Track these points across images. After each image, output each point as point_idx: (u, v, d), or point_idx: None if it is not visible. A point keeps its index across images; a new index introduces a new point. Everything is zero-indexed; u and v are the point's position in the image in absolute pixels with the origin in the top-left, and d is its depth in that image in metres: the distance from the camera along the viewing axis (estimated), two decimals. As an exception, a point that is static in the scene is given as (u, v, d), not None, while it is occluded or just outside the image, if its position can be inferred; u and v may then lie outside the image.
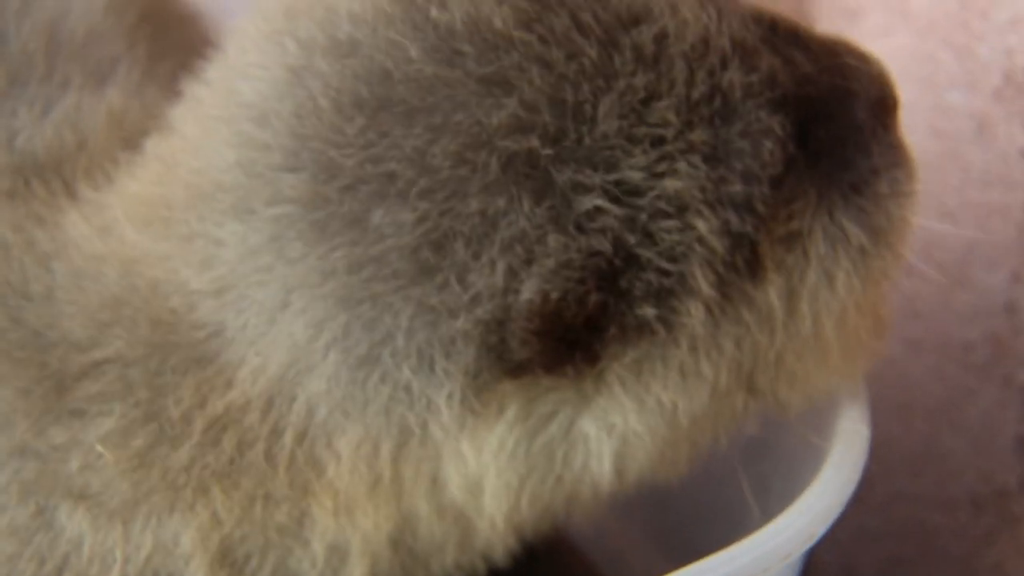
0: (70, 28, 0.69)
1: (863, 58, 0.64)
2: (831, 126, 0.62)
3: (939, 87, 0.79)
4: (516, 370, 0.56)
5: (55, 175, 0.63)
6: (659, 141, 0.57)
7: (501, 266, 0.55)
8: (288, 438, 0.58)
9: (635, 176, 0.56)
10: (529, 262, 0.55)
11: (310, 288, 0.56)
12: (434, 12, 0.57)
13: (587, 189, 0.56)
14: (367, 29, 0.57)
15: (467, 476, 0.58)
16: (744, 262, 0.59)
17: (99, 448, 0.58)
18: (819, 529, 0.61)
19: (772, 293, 0.59)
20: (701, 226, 0.57)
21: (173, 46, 0.72)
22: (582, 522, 0.65)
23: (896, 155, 0.63)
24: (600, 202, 0.56)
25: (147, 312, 0.59)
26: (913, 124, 0.77)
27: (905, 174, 0.63)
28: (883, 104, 0.63)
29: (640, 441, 0.59)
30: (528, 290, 0.55)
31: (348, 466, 0.58)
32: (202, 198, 0.58)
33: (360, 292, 0.56)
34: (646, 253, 0.57)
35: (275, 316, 0.57)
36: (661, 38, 0.58)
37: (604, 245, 0.56)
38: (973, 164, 0.78)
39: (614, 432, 0.58)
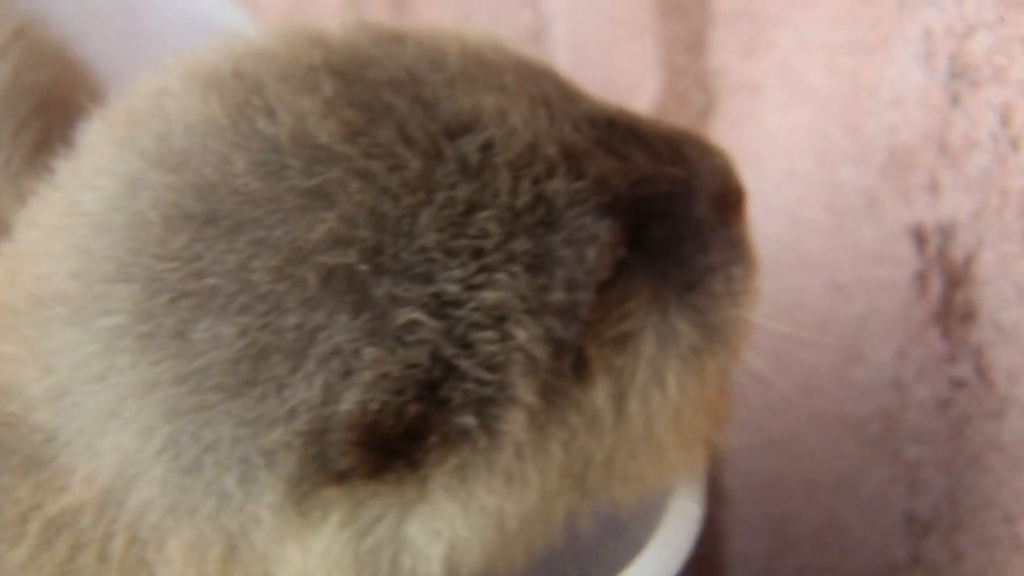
0: None
1: (706, 151, 0.64)
2: (668, 224, 0.62)
3: (833, 163, 0.79)
4: (338, 478, 0.57)
5: None
6: (479, 252, 0.57)
7: (319, 379, 0.55)
8: (119, 541, 0.58)
9: (452, 289, 0.57)
10: (347, 375, 0.56)
11: (138, 398, 0.57)
12: (262, 125, 0.58)
13: (404, 302, 0.56)
14: (198, 141, 0.58)
15: None
16: (569, 367, 0.59)
17: None
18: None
19: (599, 396, 0.60)
20: (521, 335, 0.58)
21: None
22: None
23: (734, 252, 0.63)
24: (417, 315, 0.56)
25: None
26: (810, 200, 0.79)
27: (743, 271, 0.63)
28: (724, 199, 0.63)
29: (468, 545, 0.59)
30: (346, 402, 0.56)
31: (177, 570, 0.58)
32: (42, 305, 0.59)
33: (184, 404, 0.56)
34: (464, 363, 0.57)
35: (106, 424, 0.58)
36: (487, 147, 0.58)
37: (422, 357, 0.56)
38: (864, 240, 0.79)
39: (441, 536, 0.59)
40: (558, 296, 0.58)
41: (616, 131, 0.62)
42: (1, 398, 0.59)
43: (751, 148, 0.82)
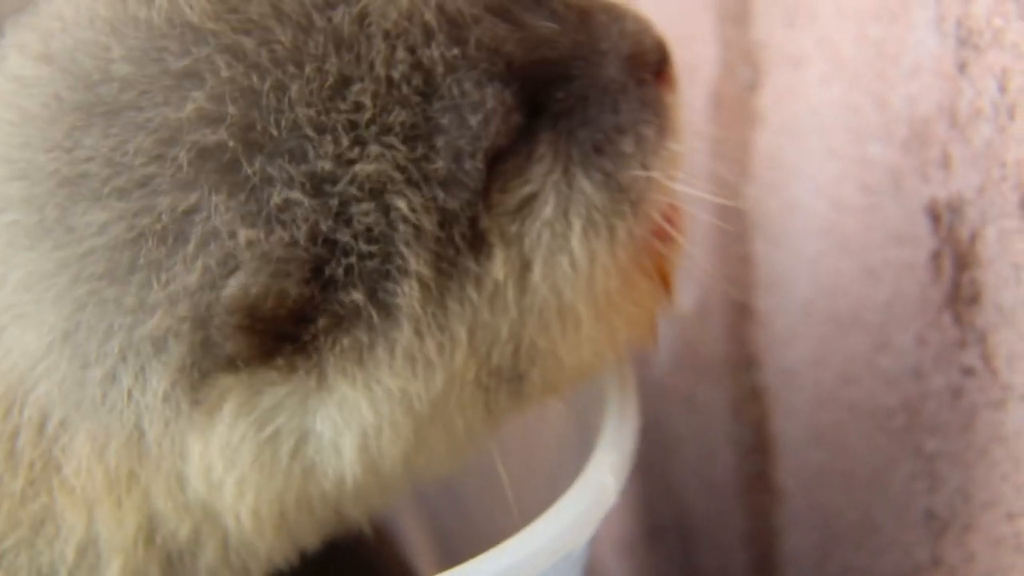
0: None
1: (617, 14, 0.62)
2: (572, 86, 0.60)
3: (864, 139, 0.75)
4: (229, 365, 0.57)
5: None
6: (352, 126, 0.57)
7: (198, 263, 0.56)
8: (24, 439, 0.60)
9: (326, 165, 0.56)
10: (226, 258, 0.56)
11: (31, 292, 0.58)
12: (139, 10, 0.58)
13: (278, 181, 0.56)
14: (80, 34, 0.59)
15: (202, 471, 0.59)
16: (462, 238, 0.58)
17: None
18: (580, 535, 0.61)
19: (498, 267, 0.58)
20: (401, 205, 0.57)
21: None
22: (363, 523, 0.65)
23: (647, 111, 0.61)
24: (291, 193, 0.56)
25: None
26: (845, 179, 0.76)
27: (655, 130, 0.61)
28: (638, 59, 0.61)
29: (379, 432, 0.58)
30: (228, 286, 0.56)
31: (84, 465, 0.59)
32: None
33: (72, 294, 0.57)
34: (345, 238, 0.56)
35: (6, 321, 0.59)
36: (361, 17, 0.57)
37: (300, 235, 0.56)
38: (890, 220, 0.75)
39: (349, 425, 0.58)
40: (440, 165, 0.57)
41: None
42: None
43: (796, 124, 0.80)
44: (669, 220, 0.62)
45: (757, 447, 0.87)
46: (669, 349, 0.92)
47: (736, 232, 0.84)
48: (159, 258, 0.56)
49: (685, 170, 0.62)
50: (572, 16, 0.60)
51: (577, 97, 0.60)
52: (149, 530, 0.61)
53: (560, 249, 0.59)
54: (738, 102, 0.82)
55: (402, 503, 0.87)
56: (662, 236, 0.62)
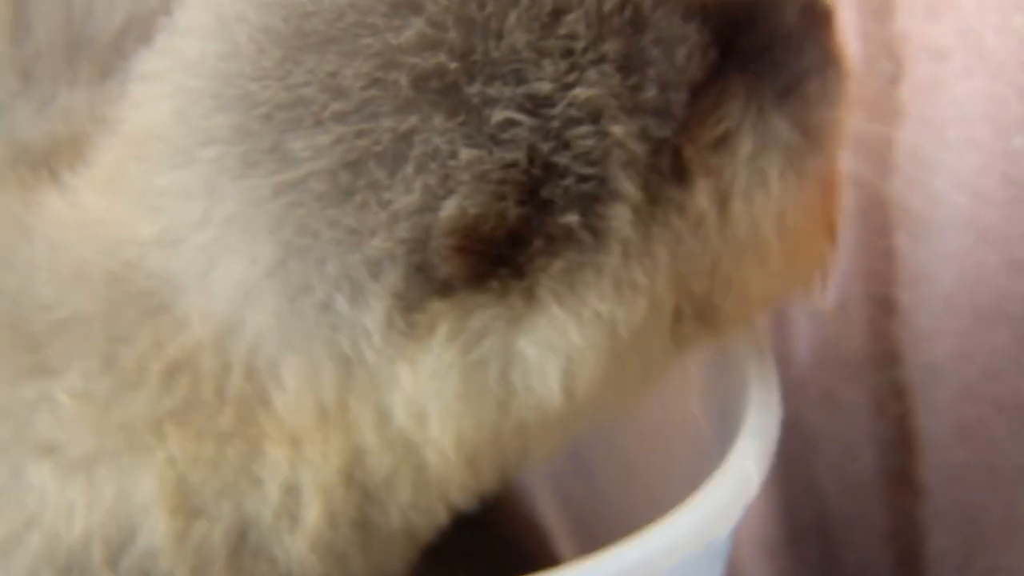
0: (93, 29, 0.73)
1: None
2: (757, 32, 0.62)
3: (1008, 131, 0.75)
4: (443, 289, 0.57)
5: (44, 165, 0.67)
6: (568, 52, 0.57)
7: (418, 184, 0.56)
8: (236, 373, 0.59)
9: (544, 87, 0.57)
10: (445, 178, 0.56)
11: (241, 222, 0.58)
12: None
13: (498, 101, 0.56)
14: None
15: (408, 402, 0.59)
16: (668, 167, 0.59)
17: (63, 399, 0.61)
18: (723, 524, 0.60)
19: (701, 197, 0.59)
20: (617, 131, 0.58)
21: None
22: (539, 464, 0.66)
23: (827, 58, 0.63)
24: (511, 114, 0.57)
25: (104, 269, 0.61)
26: (988, 171, 0.75)
27: (836, 75, 0.63)
28: (812, 9, 0.63)
29: (583, 356, 0.59)
30: (446, 206, 0.56)
31: (294, 397, 0.59)
32: (145, 151, 0.61)
33: (286, 220, 0.57)
34: (562, 160, 0.57)
35: (216, 256, 0.59)
36: None
37: (519, 155, 0.56)
38: (1036, 212, 0.74)
39: (554, 348, 0.58)
40: (651, 94, 0.58)
41: None
42: (115, 253, 0.61)
43: (938, 117, 0.79)
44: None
45: (900, 444, 0.86)
46: (808, 345, 0.91)
47: (878, 226, 0.84)
48: (379, 179, 0.57)
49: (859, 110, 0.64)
50: None
51: (763, 41, 0.62)
52: (351, 466, 0.61)
53: (758, 184, 0.60)
54: (880, 96, 0.82)
55: (539, 488, 0.88)
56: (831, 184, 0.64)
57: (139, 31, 0.73)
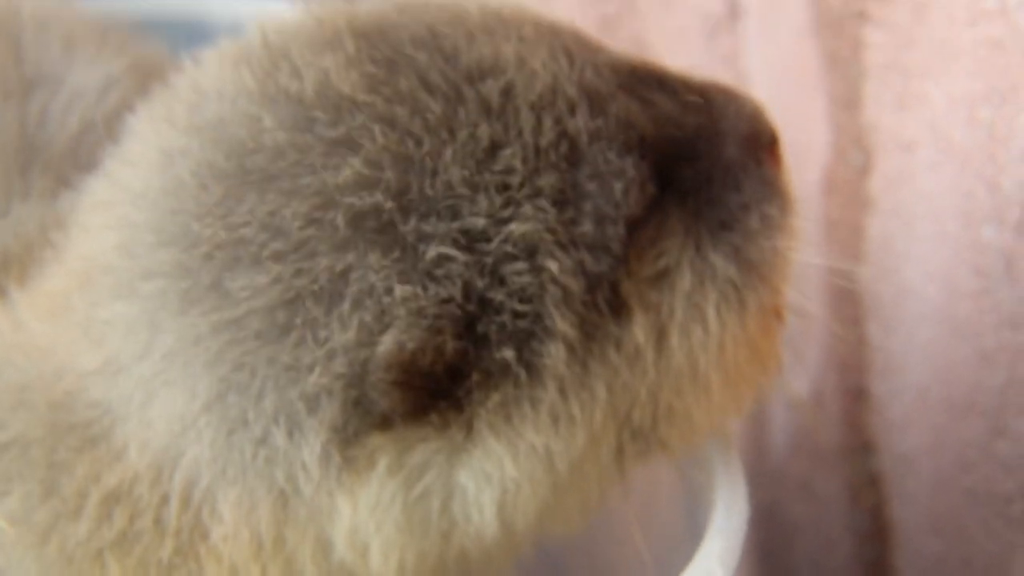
0: (49, 133, 0.74)
1: (733, 97, 0.64)
2: (698, 165, 0.62)
3: (976, 223, 0.75)
4: (382, 423, 0.58)
5: None
6: (504, 187, 0.58)
7: (354, 320, 0.57)
8: (174, 505, 0.60)
9: (479, 222, 0.58)
10: (382, 314, 0.57)
11: (181, 357, 0.59)
12: (289, 84, 0.60)
13: (433, 238, 0.57)
14: (228, 105, 0.60)
15: (349, 534, 0.59)
16: (605, 302, 0.59)
17: (3, 525, 0.61)
18: None
19: (639, 331, 0.60)
20: (552, 266, 0.58)
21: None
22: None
23: (768, 189, 0.63)
24: (446, 250, 0.57)
25: (47, 395, 0.62)
26: (958, 263, 0.75)
27: (778, 208, 0.63)
28: (754, 140, 0.63)
29: (520, 489, 0.59)
30: (384, 342, 0.57)
31: (231, 530, 0.60)
32: (90, 282, 0.62)
33: (224, 357, 0.58)
34: (498, 296, 0.58)
35: (155, 389, 0.59)
36: (507, 90, 0.60)
37: (454, 291, 0.57)
38: (1004, 303, 0.74)
39: (491, 480, 0.59)
40: (587, 229, 0.59)
41: (639, 78, 0.63)
42: (54, 385, 0.62)
43: (907, 208, 0.79)
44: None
45: (875, 534, 0.86)
46: (785, 434, 0.91)
47: (850, 316, 0.84)
48: (316, 317, 0.57)
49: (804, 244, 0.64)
50: (693, 97, 0.63)
51: (702, 175, 0.62)
52: None
53: (696, 319, 0.61)
54: (850, 186, 0.82)
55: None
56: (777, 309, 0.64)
57: (95, 137, 0.74)
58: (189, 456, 0.59)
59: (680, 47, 0.95)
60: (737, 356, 0.62)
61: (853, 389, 0.85)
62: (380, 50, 0.61)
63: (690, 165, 0.62)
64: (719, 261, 0.61)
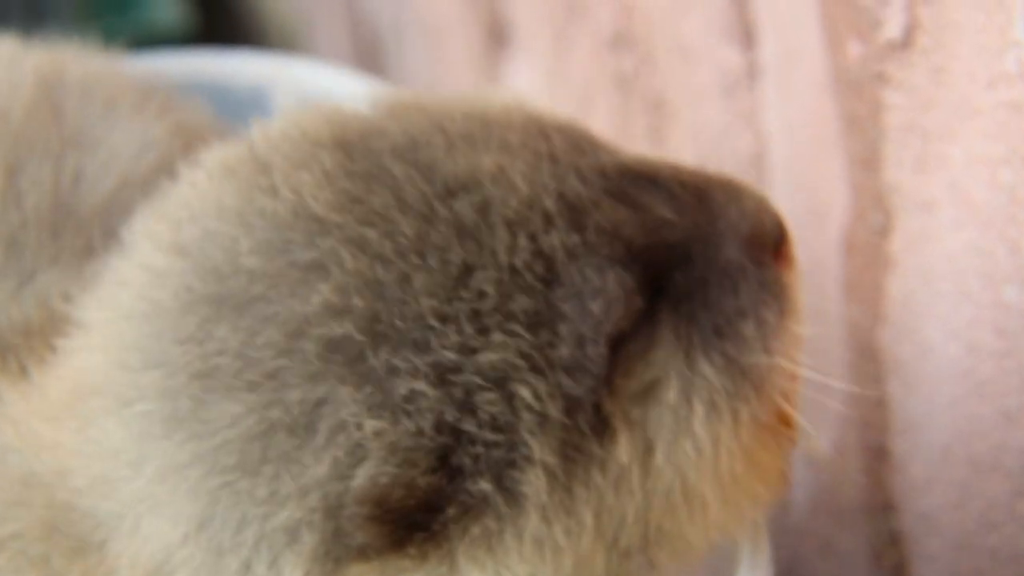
0: (82, 194, 0.74)
1: (736, 193, 0.62)
2: (692, 269, 0.60)
3: (997, 282, 0.75)
4: (360, 555, 0.57)
5: (13, 354, 0.68)
6: (475, 314, 0.57)
7: (327, 455, 0.56)
8: None
9: (448, 355, 0.56)
10: (354, 448, 0.56)
11: (167, 483, 0.59)
12: (266, 203, 0.59)
13: (402, 372, 0.56)
14: (210, 225, 0.60)
15: None
16: (586, 423, 0.58)
17: None
18: None
19: (623, 452, 0.58)
20: (525, 393, 0.57)
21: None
22: None
23: (768, 294, 0.61)
24: (416, 384, 0.56)
25: (46, 495, 0.62)
26: (980, 323, 0.75)
27: (777, 314, 0.61)
28: (756, 240, 0.61)
29: None
30: (358, 475, 0.56)
31: None
32: (83, 397, 0.62)
33: (205, 486, 0.58)
34: (470, 428, 0.57)
35: (142, 512, 0.60)
36: (483, 207, 0.58)
37: (425, 425, 0.56)
38: (1027, 364, 0.74)
39: None
40: (564, 352, 0.57)
41: (630, 180, 0.61)
42: (54, 485, 0.62)
43: (928, 269, 0.79)
44: (786, 396, 0.62)
45: (898, 593, 0.86)
46: (806, 493, 0.91)
47: (870, 375, 0.84)
48: (289, 450, 0.57)
49: (806, 350, 0.62)
50: (689, 197, 0.61)
51: (697, 279, 0.60)
52: None
53: (683, 433, 0.59)
54: (869, 246, 0.82)
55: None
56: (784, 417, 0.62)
57: (127, 198, 0.74)
58: None
59: (698, 104, 0.95)
60: (732, 471, 0.60)
61: (874, 447, 0.85)
62: (358, 163, 0.60)
63: (684, 270, 0.60)
64: (709, 371, 0.59)
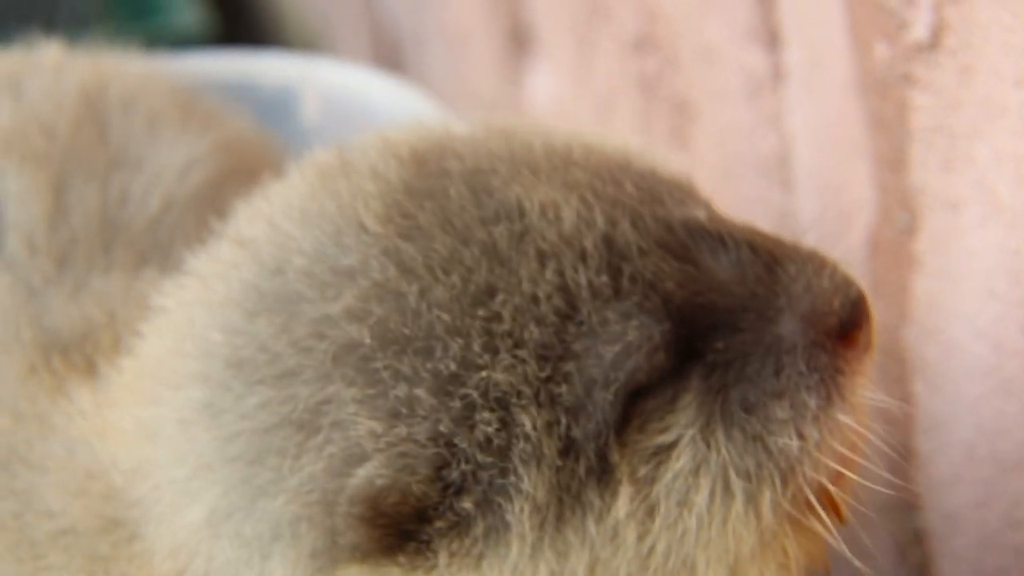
0: (129, 213, 0.76)
1: (813, 268, 0.60)
2: (736, 338, 0.59)
3: (1023, 281, 0.76)
4: (351, 555, 0.58)
5: (78, 351, 0.70)
6: (487, 333, 0.57)
7: (327, 451, 0.57)
8: None
9: (450, 365, 0.57)
10: (354, 449, 0.57)
11: (205, 472, 0.60)
12: (327, 205, 0.61)
13: (404, 377, 0.57)
14: (275, 221, 0.62)
15: None
16: (587, 470, 0.57)
17: None
18: None
19: (622, 507, 0.57)
20: (525, 422, 0.57)
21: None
22: None
23: (815, 379, 0.59)
24: (416, 390, 0.57)
25: (104, 485, 0.64)
26: (1007, 321, 0.76)
27: (820, 398, 0.59)
28: (817, 319, 0.59)
29: None
30: (353, 475, 0.57)
31: None
32: (142, 379, 0.64)
33: (223, 474, 0.60)
34: (463, 443, 0.57)
35: (177, 498, 0.61)
36: (520, 235, 0.58)
37: (419, 433, 0.57)
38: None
39: None
40: (567, 390, 0.57)
41: (696, 237, 0.59)
42: (110, 473, 0.64)
43: (954, 268, 0.80)
44: (835, 481, 0.60)
45: (922, 591, 0.86)
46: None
47: (895, 375, 0.84)
48: (294, 445, 0.58)
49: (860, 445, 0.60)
50: (758, 264, 0.59)
51: (738, 351, 0.59)
52: None
53: (686, 505, 0.58)
54: (896, 246, 0.82)
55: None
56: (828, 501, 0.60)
57: (175, 216, 0.76)
58: (200, 561, 0.61)
59: (722, 106, 0.96)
60: (740, 553, 0.58)
61: (899, 446, 0.86)
62: (422, 180, 0.61)
63: (727, 337, 0.59)
64: (727, 446, 0.58)
